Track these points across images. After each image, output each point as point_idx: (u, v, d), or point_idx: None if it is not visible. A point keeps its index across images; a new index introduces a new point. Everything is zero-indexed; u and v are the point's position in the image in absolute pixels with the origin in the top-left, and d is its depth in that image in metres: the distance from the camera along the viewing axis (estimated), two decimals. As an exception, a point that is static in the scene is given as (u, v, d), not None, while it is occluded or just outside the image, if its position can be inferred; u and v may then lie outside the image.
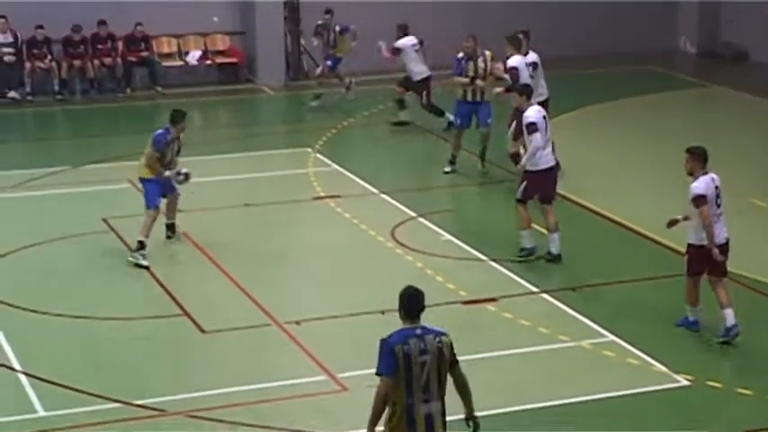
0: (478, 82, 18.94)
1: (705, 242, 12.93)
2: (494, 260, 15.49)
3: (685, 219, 13.25)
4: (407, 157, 20.29)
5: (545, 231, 15.62)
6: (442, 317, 13.67)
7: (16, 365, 12.42)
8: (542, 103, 18.81)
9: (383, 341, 8.61)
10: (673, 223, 13.44)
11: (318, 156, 20.34)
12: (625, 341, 12.97)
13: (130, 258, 15.39)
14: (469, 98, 19.09)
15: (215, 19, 26.31)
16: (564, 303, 14.04)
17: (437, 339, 8.64)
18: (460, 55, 19.13)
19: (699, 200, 12.80)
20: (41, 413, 11.48)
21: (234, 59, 26.34)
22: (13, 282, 14.91)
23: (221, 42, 26.46)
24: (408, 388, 8.53)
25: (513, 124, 18.02)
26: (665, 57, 28.34)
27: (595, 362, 12.62)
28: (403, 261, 15.57)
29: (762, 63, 27.49)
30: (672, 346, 12.93)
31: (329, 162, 19.92)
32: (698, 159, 13.02)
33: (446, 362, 8.66)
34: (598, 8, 28.41)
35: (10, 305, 14.02)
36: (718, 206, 13.01)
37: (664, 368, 12.35)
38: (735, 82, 25.94)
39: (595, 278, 14.87)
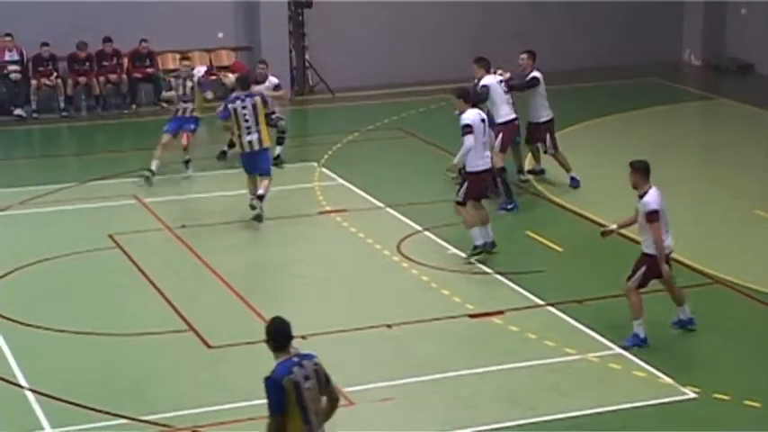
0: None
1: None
2: (500, 273, 15.49)
3: (620, 228, 13.72)
4: (413, 171, 20.27)
5: (545, 240, 15.61)
6: (448, 330, 13.77)
7: (23, 382, 12.43)
8: (547, 123, 18.85)
9: (268, 379, 8.56)
10: (608, 233, 13.69)
11: (324, 170, 20.36)
12: (631, 354, 12.96)
13: (256, 211, 17.21)
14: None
15: (220, 35, 26.36)
16: (570, 316, 14.04)
17: (313, 362, 8.71)
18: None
19: (653, 215, 12.96)
20: (48, 430, 11.49)
21: (239, 75, 26.34)
22: (20, 298, 14.93)
23: (226, 58, 26.48)
24: (304, 416, 8.59)
25: (499, 138, 18.04)
26: (669, 69, 28.33)
27: (602, 374, 12.60)
28: (409, 275, 15.58)
29: (767, 75, 27.48)
30: (678, 359, 12.93)
31: (335, 176, 19.94)
32: (641, 173, 13.17)
33: (323, 382, 8.73)
34: (602, 21, 28.44)
35: (16, 321, 14.04)
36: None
37: (670, 380, 12.33)
38: (740, 94, 25.93)
39: (601, 291, 14.85)
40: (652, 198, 13.07)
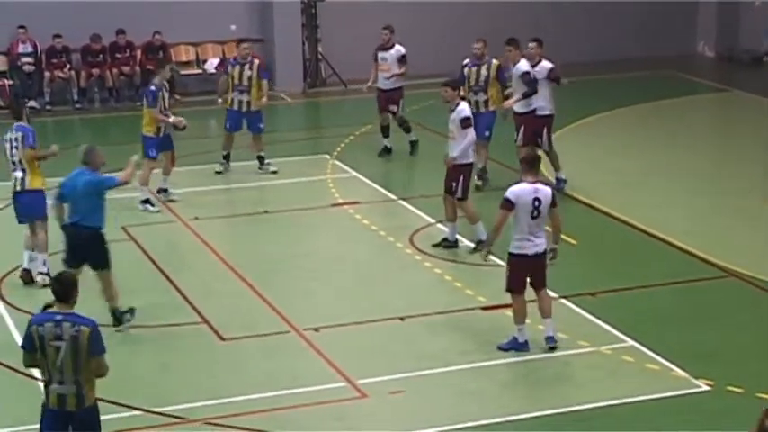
0: (478, 96, 18.53)
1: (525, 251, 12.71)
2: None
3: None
4: (425, 163, 20.24)
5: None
6: (461, 323, 13.76)
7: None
8: (547, 117, 18.34)
9: (31, 318, 9.37)
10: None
11: (336, 162, 20.36)
12: (644, 346, 12.93)
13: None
14: (472, 108, 18.82)
15: (233, 27, 26.35)
16: (583, 309, 14.01)
17: (74, 328, 9.13)
18: (466, 61, 18.92)
19: (505, 203, 12.63)
20: (62, 421, 11.50)
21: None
22: (32, 290, 14.92)
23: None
24: (44, 367, 9.26)
25: (522, 131, 17.95)
26: (683, 61, 28.27)
27: (615, 367, 12.58)
28: (422, 267, 15.57)
29: (781, 67, 27.43)
30: (691, 351, 12.88)
31: (347, 168, 19.93)
32: (527, 166, 12.85)
33: (83, 349, 9.14)
34: (616, 13, 28.37)
35: (29, 313, 14.01)
36: (534, 218, 12.61)
37: (683, 373, 12.31)
38: (753, 86, 25.85)
39: (615, 283, 14.84)
40: (516, 188, 12.73)
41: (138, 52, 25.35)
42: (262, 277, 15.22)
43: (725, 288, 14.81)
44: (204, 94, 25.74)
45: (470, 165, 15.86)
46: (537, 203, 12.59)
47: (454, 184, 15.78)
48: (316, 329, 13.50)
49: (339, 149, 21.07)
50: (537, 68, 18.14)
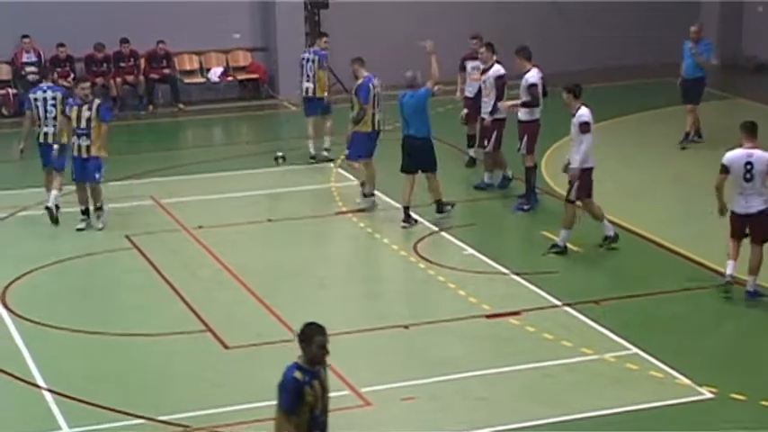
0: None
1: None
2: (516, 273, 15.48)
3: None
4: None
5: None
6: (464, 331, 13.76)
7: (41, 382, 12.47)
8: (502, 120, 18.61)
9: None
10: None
11: (340, 171, 20.37)
12: (648, 354, 12.93)
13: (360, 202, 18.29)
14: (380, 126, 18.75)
15: (236, 35, 26.42)
16: (587, 316, 14.01)
17: None
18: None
19: (721, 168, 14.25)
20: (66, 430, 11.52)
21: (255, 75, 26.45)
22: (37, 298, 14.98)
23: (243, 58, 26.56)
24: None
25: (525, 139, 17.93)
26: (686, 68, 28.25)
27: (618, 375, 12.58)
28: (425, 275, 15.57)
29: (784, 74, 27.44)
30: (696, 359, 12.89)
31: (351, 177, 19.93)
32: (746, 132, 14.48)
33: None
34: (619, 20, 28.40)
35: (34, 321, 14.08)
36: (747, 180, 14.08)
37: (687, 381, 12.30)
38: (756, 93, 25.86)
39: (619, 291, 14.85)
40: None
41: (142, 61, 25.40)
42: (266, 285, 15.23)
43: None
44: (207, 102, 25.83)
45: (590, 169, 15.99)
46: (749, 167, 14.05)
47: (569, 187, 16.01)
48: (320, 338, 13.49)
49: (342, 158, 21.05)
50: (490, 72, 18.70)
